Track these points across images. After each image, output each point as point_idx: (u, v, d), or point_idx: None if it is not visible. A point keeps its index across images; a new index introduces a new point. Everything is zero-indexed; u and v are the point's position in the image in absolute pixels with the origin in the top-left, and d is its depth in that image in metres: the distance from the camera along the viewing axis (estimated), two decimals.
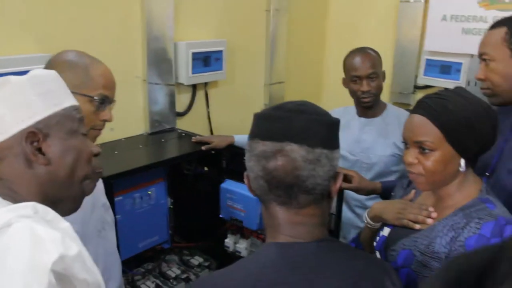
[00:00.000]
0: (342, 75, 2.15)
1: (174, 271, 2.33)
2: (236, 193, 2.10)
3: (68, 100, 0.94)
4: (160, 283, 2.24)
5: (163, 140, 2.33)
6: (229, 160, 2.24)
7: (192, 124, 2.61)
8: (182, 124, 2.56)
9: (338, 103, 2.40)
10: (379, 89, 2.08)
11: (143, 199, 2.12)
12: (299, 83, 3.39)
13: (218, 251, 2.32)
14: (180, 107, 2.57)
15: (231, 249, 2.25)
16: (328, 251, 0.92)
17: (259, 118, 0.92)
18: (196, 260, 2.43)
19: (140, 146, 2.22)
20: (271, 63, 3.10)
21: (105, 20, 2.14)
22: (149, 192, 2.13)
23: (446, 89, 1.29)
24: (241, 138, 2.21)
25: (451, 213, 1.22)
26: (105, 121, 1.36)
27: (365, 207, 2.09)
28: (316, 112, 0.91)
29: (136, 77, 2.32)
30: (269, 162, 0.86)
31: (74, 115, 0.94)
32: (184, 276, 2.30)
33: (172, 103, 2.48)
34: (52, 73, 0.95)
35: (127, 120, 2.29)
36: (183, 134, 2.42)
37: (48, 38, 1.93)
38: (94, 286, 0.82)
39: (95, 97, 1.31)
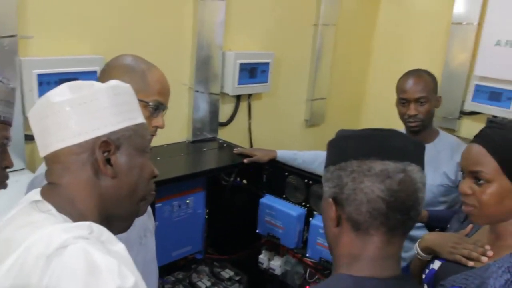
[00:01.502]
0: (384, 93, 2.10)
1: (204, 282, 2.29)
2: (277, 209, 2.07)
3: (141, 117, 0.93)
4: None
5: (204, 149, 2.32)
6: (270, 175, 2.20)
7: (233, 135, 2.60)
8: (223, 134, 2.56)
9: (376, 122, 2.34)
10: (428, 114, 1.99)
11: (181, 207, 2.10)
12: (340, 100, 3.34)
13: (251, 266, 2.28)
14: (222, 117, 2.57)
15: (264, 266, 2.21)
16: None
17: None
18: (227, 273, 2.39)
19: (182, 154, 2.21)
20: (314, 79, 3.07)
21: (157, 26, 2.15)
22: (188, 201, 2.12)
23: (510, 120, 1.22)
24: (284, 154, 2.18)
25: (508, 254, 1.15)
26: (157, 127, 1.35)
27: (411, 238, 2.00)
28: None
29: (183, 84, 2.32)
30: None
31: (145, 133, 0.93)
32: None
33: (215, 112, 2.47)
34: (128, 86, 0.93)
35: (171, 126, 2.26)
36: (224, 145, 2.40)
37: (101, 41, 1.95)
38: None
39: (150, 103, 1.29)
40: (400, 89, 2.01)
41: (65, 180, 0.85)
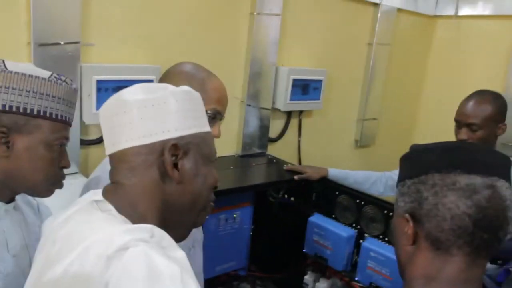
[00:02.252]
0: (438, 116, 2.01)
1: None
2: (326, 229, 2.01)
3: (208, 126, 0.92)
4: None
5: (253, 164, 2.30)
6: (320, 193, 2.15)
7: (282, 151, 2.58)
8: (272, 150, 2.54)
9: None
10: (481, 142, 1.86)
11: (228, 221, 2.07)
12: (392, 121, 3.26)
13: (295, 287, 2.21)
14: (272, 132, 2.55)
15: (309, 287, 2.13)
16: None
17: (453, 149, 0.82)
18: None
19: (231, 167, 2.20)
20: (366, 98, 3.01)
21: (213, 38, 2.17)
22: (235, 216, 2.09)
23: None
24: (335, 172, 2.13)
25: None
26: (213, 137, 1.33)
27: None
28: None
29: (235, 98, 2.32)
30: (481, 197, 0.76)
31: (212, 143, 0.92)
32: None
33: (265, 128, 2.46)
34: (199, 94, 0.92)
35: (221, 139, 2.25)
36: (274, 161, 2.38)
37: (158, 51, 1.98)
38: None
39: (208, 111, 1.28)
40: (458, 109, 1.92)
41: (129, 181, 0.83)
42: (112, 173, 0.87)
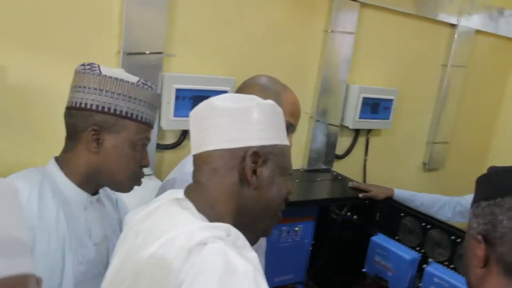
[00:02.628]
0: None
1: None
2: (389, 250, 1.98)
3: (287, 140, 0.97)
4: None
5: (319, 179, 2.32)
6: (384, 213, 2.13)
7: (347, 169, 2.57)
8: (338, 167, 2.54)
9: None
10: None
11: (290, 233, 2.10)
12: (463, 145, 3.16)
13: None
14: (339, 149, 2.56)
15: None
16: None
17: None
18: None
19: (297, 180, 2.23)
20: (438, 121, 2.94)
21: (286, 53, 2.23)
22: (297, 229, 2.11)
23: None
24: (401, 193, 2.11)
25: None
26: None
27: None
28: None
29: (305, 113, 2.35)
30: None
31: (289, 156, 0.97)
32: None
33: (333, 144, 2.47)
34: (281, 110, 0.98)
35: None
36: (339, 177, 2.38)
37: (235, 63, 2.06)
38: None
39: None
40: None
41: (210, 181, 0.90)
42: (195, 173, 0.94)
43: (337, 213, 2.23)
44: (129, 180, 1.18)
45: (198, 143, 0.93)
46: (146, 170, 1.90)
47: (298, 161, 2.42)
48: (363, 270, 2.10)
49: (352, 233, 2.23)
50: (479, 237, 0.81)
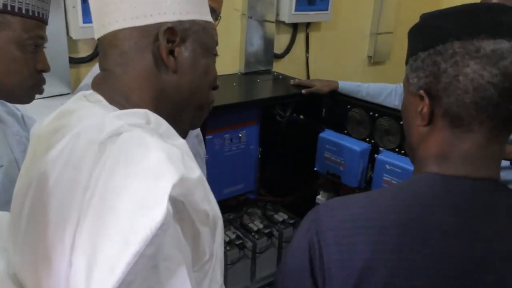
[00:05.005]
0: None
1: (256, 224, 2.25)
2: (338, 144, 1.98)
3: (210, 16, 0.86)
4: (241, 235, 2.17)
5: (258, 80, 2.25)
6: (330, 108, 2.10)
7: (289, 68, 2.51)
8: (278, 67, 2.48)
9: None
10: None
11: (233, 141, 2.05)
12: None
13: (307, 208, 2.20)
14: (278, 48, 2.48)
15: None
16: (506, 198, 0.75)
17: (475, 11, 0.75)
18: (281, 216, 2.33)
19: (234, 84, 2.16)
20: (380, 10, 2.88)
21: None
22: (240, 135, 2.06)
23: None
24: (346, 85, 2.07)
25: None
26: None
27: None
28: None
29: (235, 10, 2.22)
30: (509, 64, 0.69)
31: (214, 34, 0.86)
32: (267, 230, 2.22)
33: (270, 42, 2.38)
34: None
35: (222, 56, 2.19)
36: (280, 77, 2.31)
37: None
38: (213, 220, 0.71)
39: None
40: None
41: (121, 68, 0.78)
42: (101, 61, 0.82)
43: (281, 115, 2.18)
44: (24, 88, 1.04)
45: (101, 23, 0.80)
46: (62, 89, 1.75)
47: (234, 65, 2.33)
48: (315, 168, 2.11)
49: (300, 134, 2.20)
50: (421, 92, 0.76)
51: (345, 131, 2.03)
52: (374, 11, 2.90)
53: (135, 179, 0.62)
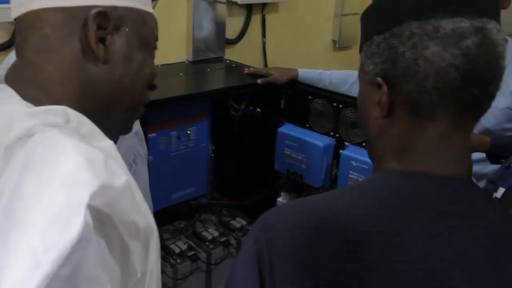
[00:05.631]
0: None
1: (210, 232, 2.24)
2: (298, 139, 1.98)
3: (151, 8, 0.85)
4: (194, 245, 2.16)
5: (208, 69, 2.23)
6: (290, 100, 2.11)
7: (243, 55, 2.50)
8: (231, 54, 2.46)
9: None
10: None
11: (181, 139, 2.02)
12: None
13: None
14: (230, 33, 2.46)
15: None
16: (477, 196, 0.77)
17: None
18: (238, 222, 2.33)
19: (181, 74, 2.14)
20: None
21: None
22: (189, 132, 2.03)
23: None
24: (306, 73, 2.09)
25: None
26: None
27: None
28: None
29: None
30: (471, 44, 0.71)
31: (154, 27, 0.86)
32: (223, 239, 2.22)
33: (221, 27, 2.36)
34: None
35: (165, 43, 2.17)
36: (233, 65, 2.31)
37: None
38: (145, 232, 0.69)
39: None
40: None
41: (40, 55, 0.75)
42: (18, 46, 0.78)
43: (235, 108, 2.18)
44: None
45: (20, 1, 0.76)
46: None
47: (180, 53, 2.29)
48: (274, 168, 2.11)
49: (256, 129, 2.20)
50: (379, 79, 0.76)
51: (307, 125, 2.04)
52: None
53: (48, 188, 0.59)
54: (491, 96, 0.74)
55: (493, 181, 1.35)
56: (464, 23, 0.71)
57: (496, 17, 0.74)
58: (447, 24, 0.71)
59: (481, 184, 1.78)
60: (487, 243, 0.73)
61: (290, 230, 0.73)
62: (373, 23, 0.79)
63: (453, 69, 0.70)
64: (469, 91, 0.72)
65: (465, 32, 0.70)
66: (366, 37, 0.80)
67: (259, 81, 2.04)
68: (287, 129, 2.05)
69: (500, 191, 1.24)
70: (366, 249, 0.70)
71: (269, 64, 2.66)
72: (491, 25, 0.72)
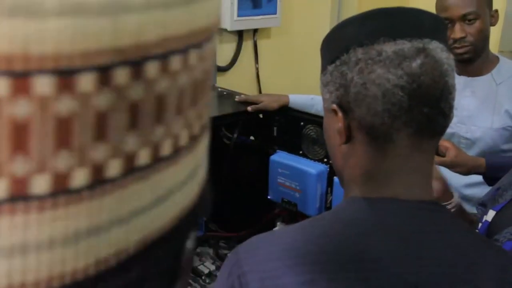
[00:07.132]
0: None
1: (207, 266, 2.22)
2: (291, 167, 1.97)
3: None
4: (190, 280, 2.14)
5: None
6: (282, 126, 2.10)
7: (235, 82, 2.50)
8: (223, 82, 2.46)
9: None
10: (481, 35, 1.83)
11: None
12: None
13: None
14: (221, 60, 2.47)
15: None
16: (439, 219, 0.80)
17: (372, 16, 0.82)
18: None
19: None
20: (338, 12, 2.93)
21: None
22: None
23: None
24: (298, 99, 2.09)
25: None
26: None
27: (466, 198, 1.87)
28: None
29: None
30: (412, 64, 0.75)
31: None
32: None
33: None
34: None
35: None
36: (225, 93, 2.31)
37: None
38: None
39: None
40: (439, 7, 1.87)
41: None
42: None
43: (228, 137, 2.18)
44: None
45: None
46: None
47: None
48: (268, 197, 2.10)
49: (250, 158, 2.20)
50: (334, 106, 0.81)
51: (300, 152, 2.04)
52: (331, 13, 2.95)
53: None
54: (443, 114, 0.78)
55: (485, 204, 1.34)
56: (405, 45, 0.76)
57: (440, 37, 0.79)
58: (389, 47, 0.76)
59: None
60: (456, 265, 0.75)
61: (261, 261, 0.77)
62: (326, 53, 0.87)
63: (398, 89, 0.75)
64: (419, 110, 0.76)
65: (406, 53, 0.76)
66: (322, 68, 0.87)
67: (249, 108, 2.04)
68: (279, 157, 2.04)
69: (491, 213, 1.24)
70: (334, 278, 0.72)
71: (263, 91, 2.67)
72: (434, 44, 0.77)
